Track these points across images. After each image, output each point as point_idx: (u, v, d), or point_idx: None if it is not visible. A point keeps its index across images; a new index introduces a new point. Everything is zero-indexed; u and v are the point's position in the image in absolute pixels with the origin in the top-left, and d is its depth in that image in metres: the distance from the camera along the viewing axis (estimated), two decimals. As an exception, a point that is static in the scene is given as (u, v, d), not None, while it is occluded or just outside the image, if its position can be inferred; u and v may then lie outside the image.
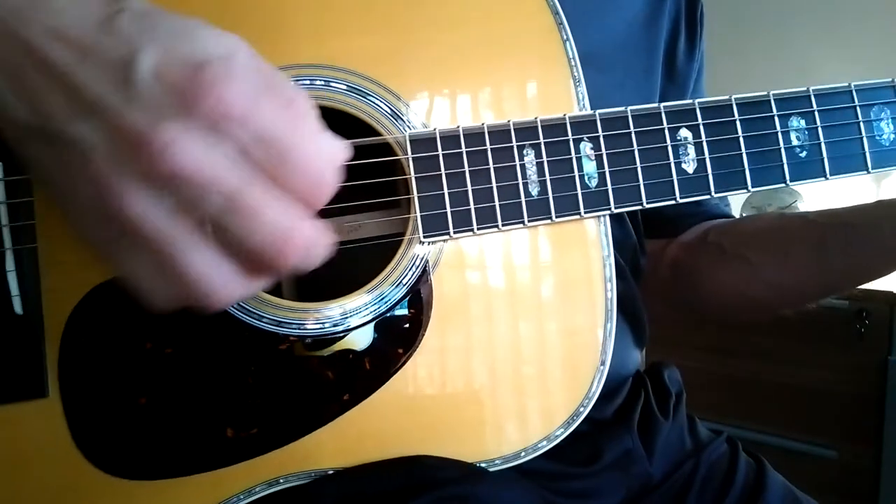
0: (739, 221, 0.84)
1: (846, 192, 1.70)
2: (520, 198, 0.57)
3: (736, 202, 1.92)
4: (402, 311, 0.57)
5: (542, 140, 0.57)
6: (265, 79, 0.37)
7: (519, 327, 0.59)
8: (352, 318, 0.56)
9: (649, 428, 0.74)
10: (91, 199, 0.36)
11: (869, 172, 0.61)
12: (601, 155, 0.58)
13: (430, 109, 0.57)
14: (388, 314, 0.56)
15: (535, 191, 0.57)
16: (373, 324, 0.56)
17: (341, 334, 0.56)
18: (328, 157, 0.38)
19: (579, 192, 0.58)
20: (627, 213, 0.63)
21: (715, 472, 0.73)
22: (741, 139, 0.60)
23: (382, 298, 0.56)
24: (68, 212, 0.39)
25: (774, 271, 0.74)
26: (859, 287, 1.80)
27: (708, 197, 0.60)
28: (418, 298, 0.57)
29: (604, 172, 0.58)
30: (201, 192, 0.35)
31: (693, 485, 0.71)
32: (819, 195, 1.99)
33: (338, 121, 0.55)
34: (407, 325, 0.57)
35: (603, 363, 0.59)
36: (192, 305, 0.38)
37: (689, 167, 0.59)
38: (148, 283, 0.38)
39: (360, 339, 0.56)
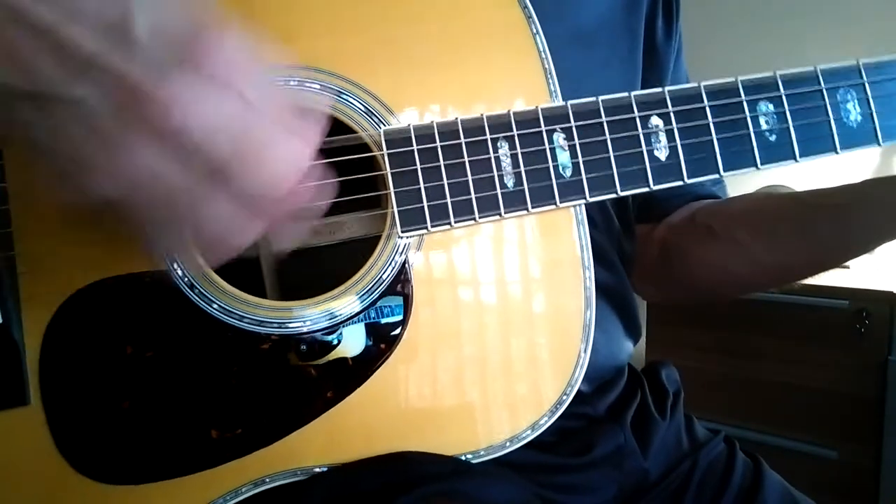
0: (727, 202, 0.85)
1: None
2: (495, 190, 0.57)
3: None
4: (383, 306, 0.57)
5: (515, 132, 0.58)
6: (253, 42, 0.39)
7: (499, 318, 0.59)
8: (333, 316, 0.56)
9: (646, 427, 0.73)
10: (99, 159, 0.36)
11: (838, 153, 0.61)
12: (574, 145, 0.58)
13: (404, 106, 0.58)
14: (370, 310, 0.57)
15: (510, 182, 0.58)
16: (355, 320, 0.56)
17: (325, 332, 0.56)
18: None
19: (554, 182, 0.58)
20: (610, 200, 0.64)
21: (712, 471, 0.72)
22: (711, 125, 0.60)
23: (363, 294, 0.56)
24: (66, 175, 0.37)
25: (762, 250, 0.74)
26: (859, 287, 1.79)
27: (682, 183, 0.60)
28: (399, 292, 0.57)
29: (577, 162, 0.58)
30: (210, 142, 0.36)
31: (690, 484, 0.71)
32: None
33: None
34: (388, 320, 0.57)
35: (585, 351, 0.60)
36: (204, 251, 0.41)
37: (662, 154, 0.60)
38: (166, 233, 0.40)
39: (347, 336, 0.56)
